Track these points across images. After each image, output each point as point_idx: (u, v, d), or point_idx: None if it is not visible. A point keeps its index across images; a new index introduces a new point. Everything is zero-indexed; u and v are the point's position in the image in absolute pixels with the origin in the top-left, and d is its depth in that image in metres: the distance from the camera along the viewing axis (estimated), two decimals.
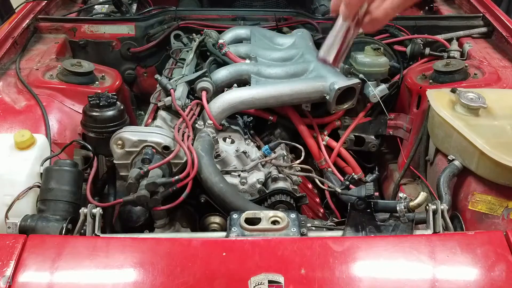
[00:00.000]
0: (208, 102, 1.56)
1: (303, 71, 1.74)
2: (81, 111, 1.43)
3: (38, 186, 1.23)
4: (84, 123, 1.40)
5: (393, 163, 1.92)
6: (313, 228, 1.25)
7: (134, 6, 2.44)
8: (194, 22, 2.18)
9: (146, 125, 1.56)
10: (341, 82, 1.62)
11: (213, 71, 1.74)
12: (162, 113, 1.56)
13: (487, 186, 1.29)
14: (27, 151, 1.27)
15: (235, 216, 1.12)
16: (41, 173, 1.25)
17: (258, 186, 1.41)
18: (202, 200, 1.35)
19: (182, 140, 1.34)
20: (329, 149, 1.82)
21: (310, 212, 1.67)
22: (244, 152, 1.47)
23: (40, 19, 2.13)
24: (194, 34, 2.10)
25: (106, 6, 2.36)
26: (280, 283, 0.92)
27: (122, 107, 1.41)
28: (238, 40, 2.04)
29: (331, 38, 1.12)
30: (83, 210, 1.14)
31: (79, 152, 1.49)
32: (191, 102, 1.57)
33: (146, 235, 1.25)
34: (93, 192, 1.33)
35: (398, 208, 1.16)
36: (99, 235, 1.11)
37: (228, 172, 1.43)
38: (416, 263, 0.98)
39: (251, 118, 1.78)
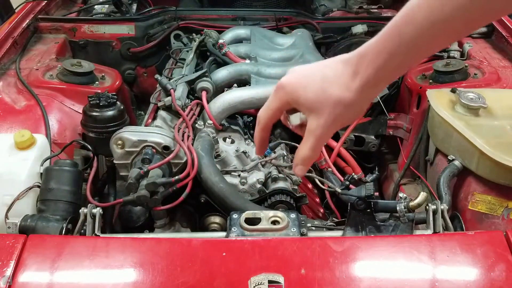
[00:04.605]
0: (208, 102, 1.56)
1: None
2: (81, 111, 1.43)
3: (38, 186, 1.23)
4: (84, 123, 1.40)
5: (393, 163, 1.92)
6: (313, 228, 1.25)
7: (134, 6, 2.44)
8: (194, 22, 2.18)
9: (146, 125, 1.56)
10: None
11: (213, 71, 1.74)
12: (162, 113, 1.55)
13: (487, 186, 1.29)
14: (27, 151, 1.27)
15: (235, 216, 1.12)
16: (41, 173, 1.25)
17: (258, 186, 1.41)
18: (202, 200, 1.35)
19: (182, 140, 1.34)
20: (329, 149, 1.82)
21: (310, 212, 1.67)
22: (244, 152, 1.47)
23: (40, 19, 2.13)
24: (194, 34, 2.10)
25: (106, 6, 2.36)
26: (280, 283, 0.92)
27: (122, 107, 1.41)
28: (238, 40, 2.04)
29: None
30: (83, 210, 1.14)
31: (79, 152, 1.49)
32: (191, 102, 1.57)
33: (146, 235, 1.25)
34: (93, 192, 1.33)
35: (398, 208, 1.15)
36: (99, 235, 1.11)
37: (228, 172, 1.42)
38: (416, 263, 0.98)
39: (251, 118, 1.78)
